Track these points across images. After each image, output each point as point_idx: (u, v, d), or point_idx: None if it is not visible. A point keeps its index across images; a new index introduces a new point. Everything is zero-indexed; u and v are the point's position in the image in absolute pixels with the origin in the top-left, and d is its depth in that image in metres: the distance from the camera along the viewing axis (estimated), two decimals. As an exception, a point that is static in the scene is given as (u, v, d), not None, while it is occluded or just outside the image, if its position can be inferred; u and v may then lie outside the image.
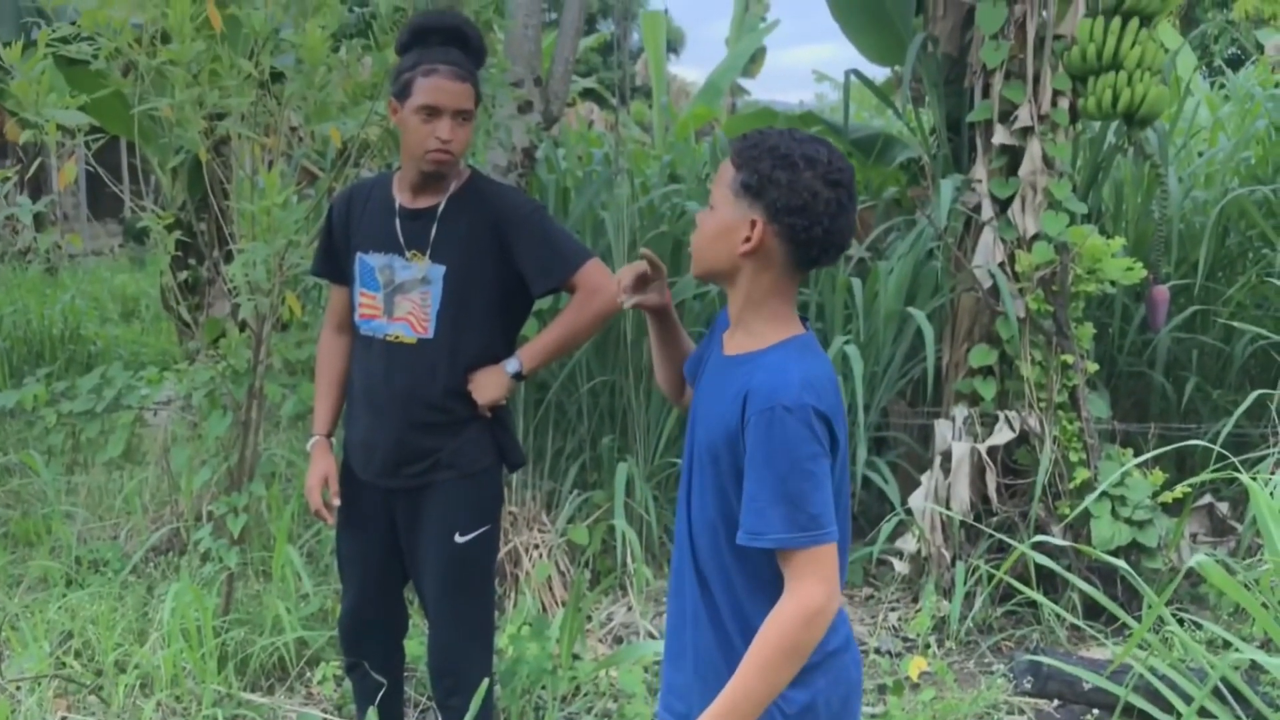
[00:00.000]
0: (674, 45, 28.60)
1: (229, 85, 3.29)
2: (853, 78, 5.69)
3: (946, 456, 4.36)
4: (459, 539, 2.73)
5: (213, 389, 3.89)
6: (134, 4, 3.23)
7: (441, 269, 2.68)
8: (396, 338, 2.72)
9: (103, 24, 3.24)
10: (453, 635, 2.83)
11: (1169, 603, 3.81)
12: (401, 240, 2.72)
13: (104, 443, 4.50)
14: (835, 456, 1.79)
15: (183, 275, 5.82)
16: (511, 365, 2.74)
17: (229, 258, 3.81)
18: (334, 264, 2.86)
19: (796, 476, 1.71)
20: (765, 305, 1.83)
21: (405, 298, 2.71)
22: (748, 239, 1.77)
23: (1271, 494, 2.58)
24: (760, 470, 1.72)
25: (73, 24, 3.36)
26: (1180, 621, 3.76)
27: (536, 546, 4.25)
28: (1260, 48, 9.75)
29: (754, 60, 16.01)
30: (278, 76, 3.52)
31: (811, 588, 1.71)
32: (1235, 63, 12.50)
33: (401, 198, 2.75)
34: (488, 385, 2.73)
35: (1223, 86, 8.00)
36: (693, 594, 1.92)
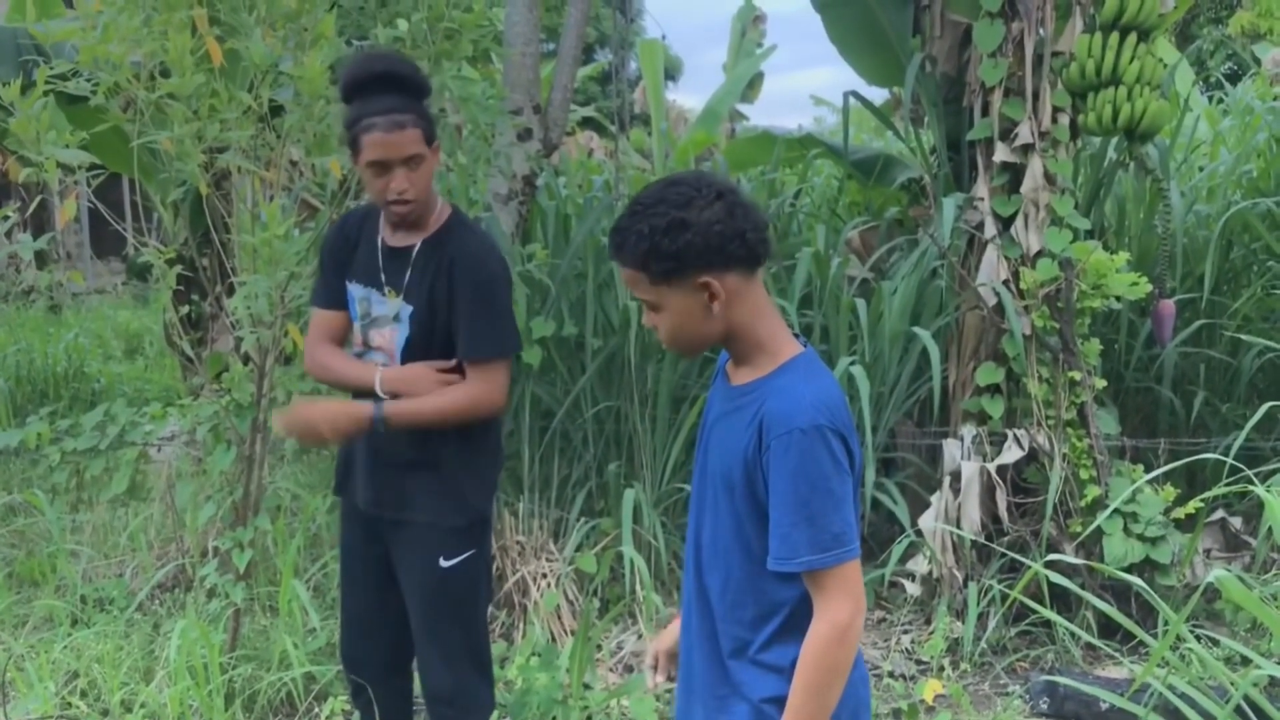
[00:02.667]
0: (672, 73, 28.72)
1: (229, 119, 3.29)
2: (851, 100, 5.70)
3: (956, 476, 4.33)
4: (444, 563, 2.75)
5: (216, 423, 3.88)
6: (133, 39, 3.23)
7: (410, 309, 2.72)
8: (384, 403, 2.74)
9: (102, 59, 3.24)
10: (440, 659, 2.82)
11: (1184, 620, 3.76)
12: (382, 276, 2.76)
13: (108, 480, 4.48)
14: (852, 471, 1.80)
15: (185, 310, 5.82)
16: (377, 411, 2.66)
17: (231, 292, 3.81)
18: (330, 291, 2.88)
19: (818, 498, 1.73)
20: (756, 330, 1.85)
21: (378, 331, 2.77)
22: (713, 297, 1.78)
23: (1287, 507, 2.54)
24: (783, 495, 1.75)
25: (72, 62, 3.36)
26: (1197, 638, 3.71)
27: (544, 575, 4.21)
28: (1258, 61, 9.77)
29: (752, 86, 16.06)
30: (277, 110, 3.52)
31: (840, 605, 1.75)
32: (1232, 78, 12.53)
33: (385, 234, 2.79)
34: (338, 418, 2.69)
35: (1221, 101, 8.01)
36: (698, 619, 1.94)
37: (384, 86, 2.63)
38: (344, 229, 2.87)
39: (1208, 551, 4.41)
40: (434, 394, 2.69)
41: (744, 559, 1.85)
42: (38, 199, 4.54)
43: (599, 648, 4.07)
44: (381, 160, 2.59)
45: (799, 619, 1.81)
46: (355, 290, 2.80)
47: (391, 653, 2.96)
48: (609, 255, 1.84)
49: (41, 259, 14.28)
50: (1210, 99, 8.53)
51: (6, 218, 3.47)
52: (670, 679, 2.13)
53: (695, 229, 1.74)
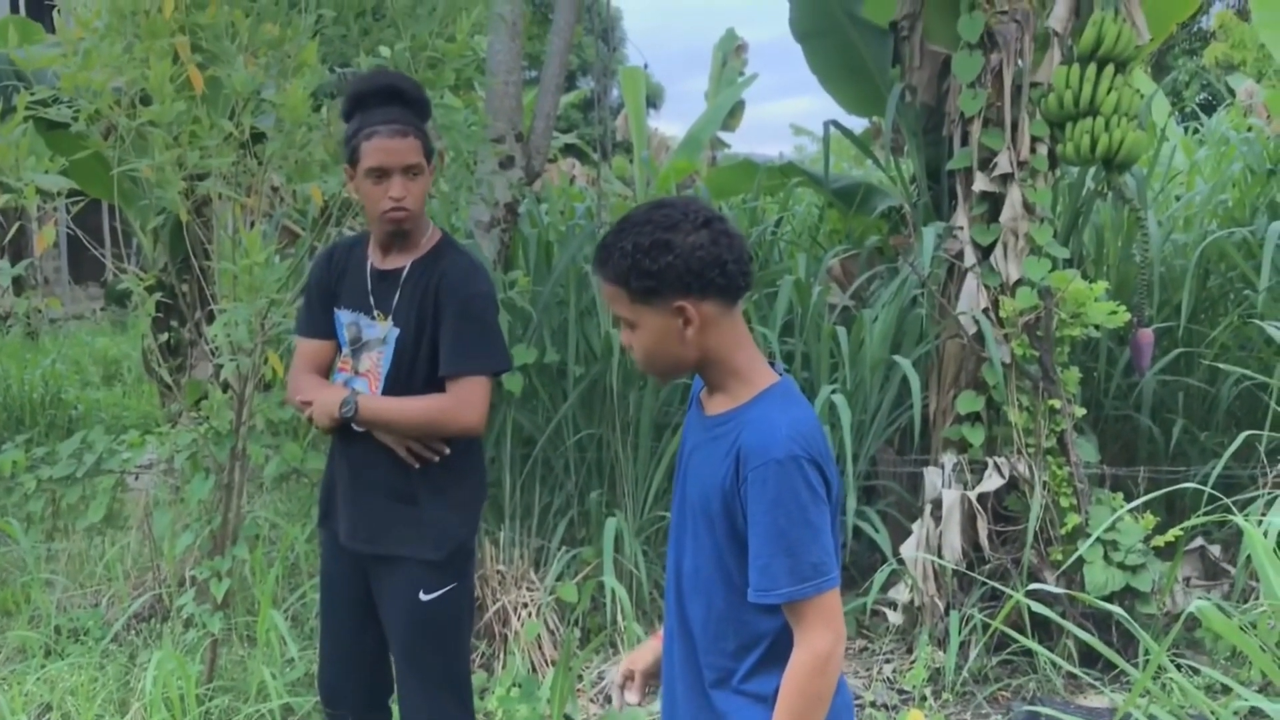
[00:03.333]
0: (653, 100, 28.86)
1: (210, 146, 3.29)
2: (832, 129, 5.74)
3: (937, 504, 4.33)
4: (424, 597, 2.73)
5: (195, 451, 3.85)
6: (114, 66, 3.23)
7: (396, 332, 2.71)
8: (355, 393, 2.75)
9: (83, 86, 3.24)
10: (421, 693, 2.79)
11: (1165, 649, 3.77)
12: (371, 300, 2.76)
13: (84, 508, 4.44)
14: (830, 500, 1.81)
15: (164, 337, 5.79)
16: (348, 406, 2.65)
17: (211, 319, 3.79)
18: (315, 321, 2.87)
19: (796, 528, 1.74)
20: (732, 360, 1.85)
21: (367, 355, 2.76)
22: (688, 322, 1.79)
23: (1265, 535, 2.56)
24: (761, 527, 1.75)
25: (53, 88, 3.35)
26: (1178, 667, 3.72)
27: (525, 605, 4.19)
28: (1232, 92, 9.90)
29: (733, 114, 16.14)
30: (259, 137, 3.51)
31: (820, 635, 1.75)
32: (1207, 108, 12.68)
33: (374, 258, 2.79)
34: (321, 404, 2.69)
35: (1197, 131, 8.10)
36: (680, 649, 1.94)
37: (387, 99, 2.66)
38: (331, 257, 2.87)
39: (1187, 579, 4.42)
40: (409, 399, 2.67)
41: (725, 590, 1.85)
42: (16, 225, 4.52)
43: (580, 678, 4.05)
44: (381, 166, 2.61)
45: (781, 648, 1.81)
46: (344, 316, 2.80)
47: (370, 687, 2.93)
48: (592, 268, 1.85)
49: (19, 285, 14.19)
50: (1186, 129, 8.63)
51: (-17, 244, 3.45)
52: (644, 697, 2.12)
53: (678, 251, 1.75)
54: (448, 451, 2.72)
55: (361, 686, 2.92)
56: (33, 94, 3.30)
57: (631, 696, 2.11)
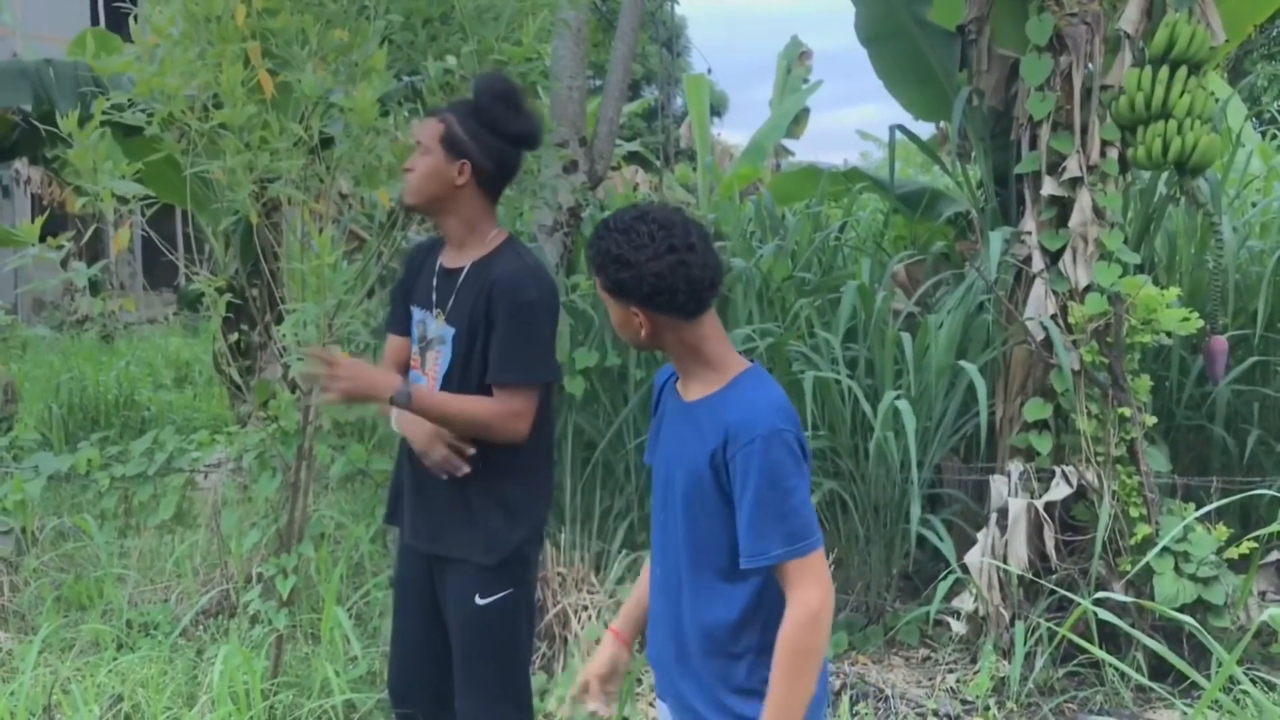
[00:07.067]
0: (717, 109, 28.85)
1: (279, 149, 3.34)
2: (898, 134, 5.69)
3: (1003, 513, 4.27)
4: (479, 601, 2.72)
5: (263, 451, 3.91)
6: (187, 71, 3.29)
7: (452, 331, 2.72)
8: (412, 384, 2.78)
9: (157, 91, 3.31)
10: (478, 697, 2.77)
11: (1239, 662, 3.68)
12: (434, 298, 2.78)
13: (156, 506, 4.53)
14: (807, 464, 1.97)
15: (234, 339, 5.90)
16: (403, 391, 2.62)
17: (279, 321, 3.86)
18: (396, 317, 2.93)
19: (785, 495, 1.89)
20: (700, 351, 2.02)
21: (430, 353, 2.78)
22: (643, 328, 1.99)
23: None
24: (752, 496, 1.89)
25: (128, 94, 3.43)
26: (1253, 681, 3.62)
27: (585, 608, 4.20)
28: (1311, 97, 9.65)
29: (798, 121, 16.08)
30: (327, 142, 3.56)
31: (809, 592, 1.89)
32: (1286, 113, 12.38)
33: (443, 256, 2.82)
34: (357, 380, 2.64)
35: (1275, 137, 7.91)
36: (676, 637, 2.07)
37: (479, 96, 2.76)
38: (414, 255, 2.94)
39: (1263, 594, 4.32)
40: (462, 397, 2.68)
41: (704, 556, 1.99)
42: (92, 228, 4.63)
43: (639, 681, 4.04)
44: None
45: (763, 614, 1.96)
46: (415, 313, 2.84)
47: (438, 687, 2.91)
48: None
49: (95, 288, 14.56)
50: (1264, 134, 8.44)
51: (61, 247, 3.53)
52: (608, 702, 2.21)
53: (636, 271, 1.92)
54: (471, 452, 2.70)
55: (429, 687, 2.91)
56: (109, 100, 3.38)
57: (595, 705, 2.19)
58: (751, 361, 2.05)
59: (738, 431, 1.90)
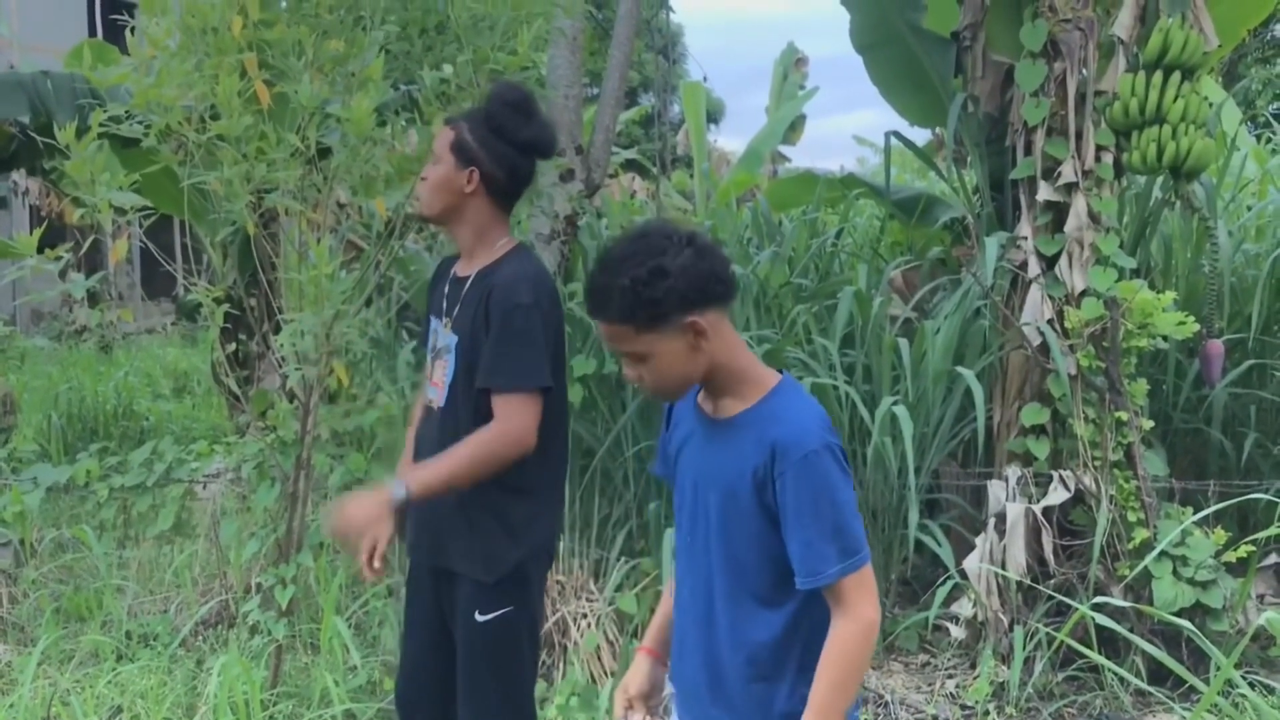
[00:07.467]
0: (714, 116, 28.90)
1: (277, 160, 3.35)
2: (893, 140, 5.70)
3: (1000, 518, 4.28)
4: (479, 617, 2.68)
5: (261, 461, 3.92)
6: (185, 83, 3.30)
7: (455, 339, 2.70)
8: (430, 402, 2.78)
9: (154, 102, 3.32)
10: (476, 715, 2.74)
11: (1237, 665, 3.68)
12: (444, 306, 2.78)
13: (154, 516, 4.54)
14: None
15: (232, 349, 5.90)
16: (399, 491, 2.53)
17: (278, 330, 3.86)
18: (424, 331, 2.93)
19: (838, 510, 1.84)
20: (735, 363, 1.93)
21: (439, 362, 2.76)
22: (699, 334, 1.86)
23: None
24: (807, 515, 1.83)
25: (126, 105, 3.44)
26: (1251, 685, 3.63)
27: (584, 615, 4.20)
28: (1306, 101, 9.68)
29: (794, 128, 16.12)
30: (324, 152, 3.58)
31: (864, 607, 1.84)
32: (1280, 117, 12.42)
33: (456, 266, 2.82)
34: (356, 515, 2.53)
35: (1270, 140, 7.93)
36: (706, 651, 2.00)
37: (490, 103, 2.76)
38: (440, 266, 2.94)
39: (1261, 597, 4.32)
40: (455, 447, 2.59)
41: (747, 595, 1.92)
42: (90, 239, 4.64)
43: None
44: None
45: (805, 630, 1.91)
46: (431, 323, 2.84)
47: (442, 698, 2.88)
48: (589, 314, 1.92)
49: (94, 299, 14.58)
50: (1258, 138, 8.46)
51: (60, 258, 3.54)
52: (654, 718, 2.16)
53: (675, 274, 1.82)
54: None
55: (435, 697, 2.87)
56: (107, 111, 3.38)
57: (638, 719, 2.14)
58: (781, 371, 1.99)
59: (786, 447, 1.84)
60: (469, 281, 2.72)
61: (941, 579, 4.38)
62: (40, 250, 3.45)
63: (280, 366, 3.78)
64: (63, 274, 3.60)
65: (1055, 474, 4.29)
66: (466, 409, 2.67)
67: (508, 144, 2.70)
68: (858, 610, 1.83)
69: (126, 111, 3.39)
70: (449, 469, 2.59)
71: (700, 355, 1.88)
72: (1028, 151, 4.57)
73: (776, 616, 1.91)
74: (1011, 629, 4.13)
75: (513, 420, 2.59)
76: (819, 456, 1.82)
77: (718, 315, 1.88)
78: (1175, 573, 3.98)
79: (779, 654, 1.92)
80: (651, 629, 2.20)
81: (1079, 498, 4.29)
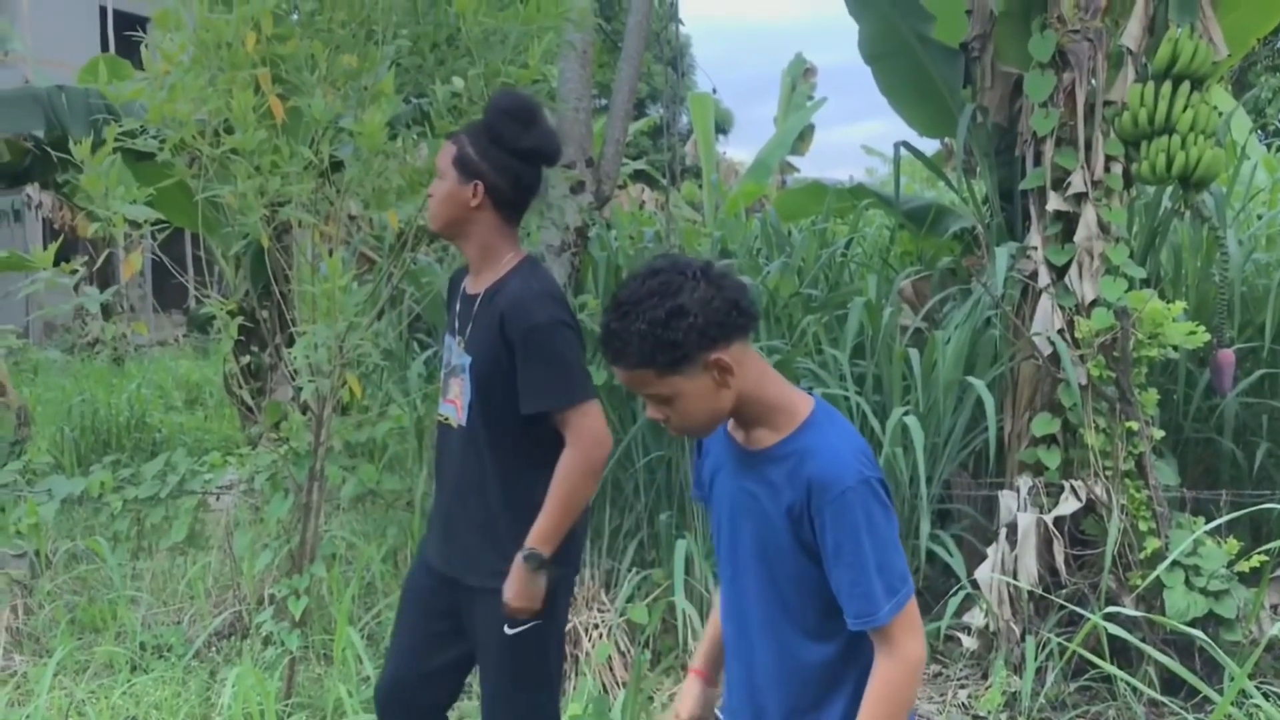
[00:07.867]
0: (722, 126, 28.92)
1: (290, 173, 3.37)
2: (902, 150, 5.71)
3: (1012, 528, 4.27)
4: (508, 631, 2.65)
5: (274, 472, 3.94)
6: (198, 98, 3.33)
7: (469, 359, 2.67)
8: (446, 419, 2.75)
9: (169, 117, 3.35)
10: None
11: (1251, 675, 3.67)
12: (456, 324, 2.76)
13: (168, 528, 4.56)
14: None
15: (245, 361, 5.93)
16: (532, 559, 2.56)
17: (290, 343, 3.89)
18: (443, 348, 2.93)
19: (882, 547, 1.78)
20: (765, 393, 1.86)
21: (455, 380, 2.74)
22: (724, 371, 1.79)
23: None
24: (850, 554, 1.77)
25: (140, 120, 3.47)
26: (1265, 695, 3.62)
27: (596, 626, 4.21)
28: (1316, 109, 9.67)
29: (803, 138, 16.15)
30: (337, 165, 3.60)
31: (911, 644, 1.79)
32: (1291, 125, 12.40)
33: (466, 281, 2.80)
34: (516, 593, 2.57)
35: None
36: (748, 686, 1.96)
37: (488, 113, 2.73)
38: (452, 280, 2.92)
39: (1275, 607, 4.31)
40: (552, 487, 2.58)
41: (795, 620, 1.87)
42: (105, 253, 4.67)
43: (650, 699, 4.05)
44: None
45: (850, 667, 1.86)
46: (447, 339, 2.82)
47: (421, 705, 2.87)
48: (607, 362, 1.84)
49: (107, 312, 14.65)
50: (1269, 146, 8.45)
51: (74, 271, 3.57)
52: None
53: (693, 311, 1.74)
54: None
55: (413, 703, 2.85)
56: (121, 126, 3.41)
57: None
58: (813, 395, 1.92)
59: (826, 484, 1.77)
60: (478, 300, 2.70)
61: (953, 589, 4.38)
62: (55, 264, 3.48)
63: (293, 378, 3.80)
64: (76, 287, 3.63)
65: (1066, 484, 4.29)
66: (487, 428, 2.66)
67: (509, 153, 2.67)
68: (904, 650, 1.78)
69: (141, 126, 3.42)
70: (560, 511, 2.58)
71: (727, 391, 1.81)
72: (1037, 162, 4.57)
73: (822, 652, 1.87)
74: (1023, 639, 4.13)
75: (583, 434, 2.58)
76: (855, 493, 1.76)
77: (741, 346, 1.81)
78: (1188, 582, 3.98)
79: (826, 692, 1.88)
80: (701, 649, 2.16)
81: (1090, 507, 4.28)
